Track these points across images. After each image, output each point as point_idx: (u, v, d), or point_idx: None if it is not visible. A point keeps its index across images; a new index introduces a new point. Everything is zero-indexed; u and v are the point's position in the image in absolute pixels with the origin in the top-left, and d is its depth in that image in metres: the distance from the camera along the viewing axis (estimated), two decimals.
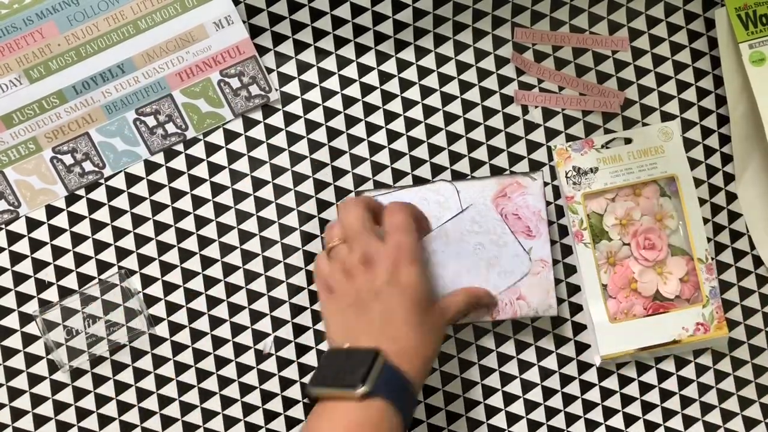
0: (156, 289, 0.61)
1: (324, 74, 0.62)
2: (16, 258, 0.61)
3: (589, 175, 0.61)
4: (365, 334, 0.50)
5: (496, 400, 0.62)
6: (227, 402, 0.61)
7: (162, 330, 0.61)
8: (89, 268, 0.61)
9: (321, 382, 0.48)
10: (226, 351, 0.61)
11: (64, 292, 0.61)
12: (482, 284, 0.58)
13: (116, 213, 0.61)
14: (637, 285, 0.61)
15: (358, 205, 0.53)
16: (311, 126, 0.62)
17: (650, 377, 0.62)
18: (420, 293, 0.51)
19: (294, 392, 0.62)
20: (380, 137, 0.62)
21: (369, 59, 0.62)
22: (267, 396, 0.62)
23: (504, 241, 0.58)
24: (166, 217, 0.61)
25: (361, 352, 0.48)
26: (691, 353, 0.62)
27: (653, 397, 0.62)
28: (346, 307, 0.51)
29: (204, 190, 0.61)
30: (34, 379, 0.61)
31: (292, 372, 0.62)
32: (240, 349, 0.61)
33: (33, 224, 0.61)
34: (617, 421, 0.62)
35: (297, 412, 0.62)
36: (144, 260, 0.61)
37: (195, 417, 0.61)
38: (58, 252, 0.61)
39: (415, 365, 0.49)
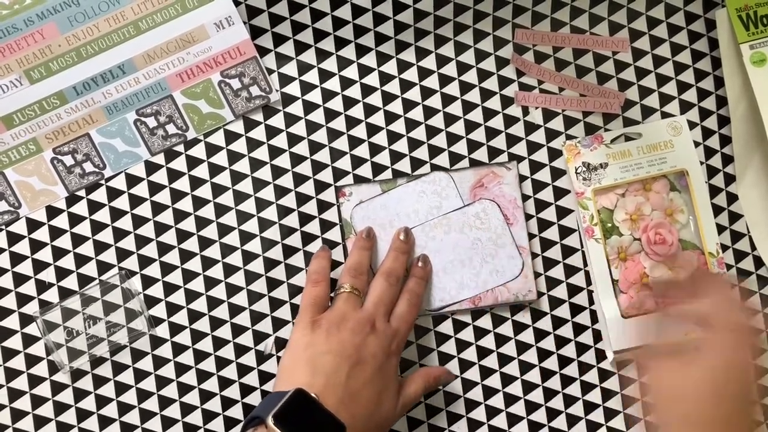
0: (156, 290, 0.61)
1: (325, 75, 0.62)
2: (16, 259, 0.60)
3: (599, 170, 0.61)
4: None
5: (497, 401, 0.62)
6: (228, 403, 0.61)
7: (162, 331, 0.61)
8: (90, 269, 0.61)
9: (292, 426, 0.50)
10: (227, 352, 0.61)
11: (65, 293, 0.61)
12: (473, 277, 0.60)
13: (117, 214, 0.61)
14: (648, 280, 0.61)
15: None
16: (312, 127, 0.61)
17: None
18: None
19: None
20: (381, 138, 0.62)
21: (370, 60, 0.62)
22: None
23: (503, 242, 0.60)
24: (166, 217, 0.61)
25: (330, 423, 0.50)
26: None
27: None
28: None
29: (205, 191, 0.61)
30: (35, 380, 0.61)
31: None
32: (241, 350, 0.61)
33: (33, 225, 0.61)
34: (618, 423, 0.62)
35: None
36: (144, 261, 0.61)
37: (196, 418, 0.61)
38: (58, 253, 0.61)
39: None
